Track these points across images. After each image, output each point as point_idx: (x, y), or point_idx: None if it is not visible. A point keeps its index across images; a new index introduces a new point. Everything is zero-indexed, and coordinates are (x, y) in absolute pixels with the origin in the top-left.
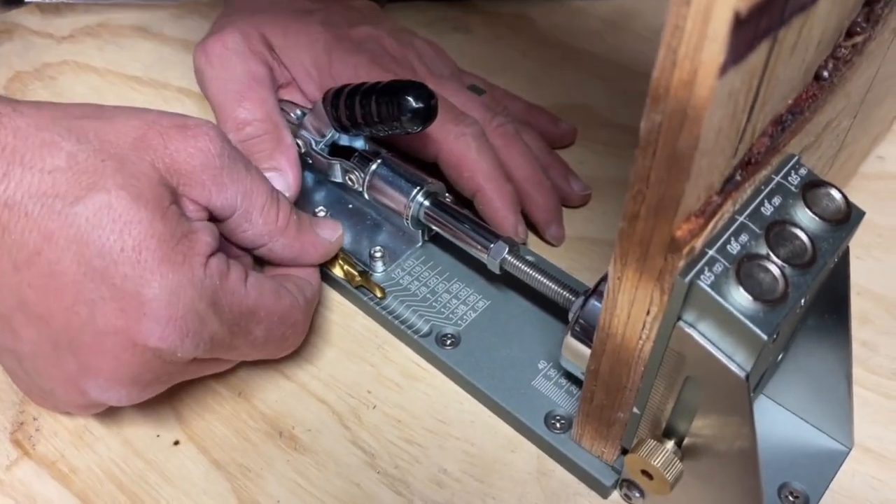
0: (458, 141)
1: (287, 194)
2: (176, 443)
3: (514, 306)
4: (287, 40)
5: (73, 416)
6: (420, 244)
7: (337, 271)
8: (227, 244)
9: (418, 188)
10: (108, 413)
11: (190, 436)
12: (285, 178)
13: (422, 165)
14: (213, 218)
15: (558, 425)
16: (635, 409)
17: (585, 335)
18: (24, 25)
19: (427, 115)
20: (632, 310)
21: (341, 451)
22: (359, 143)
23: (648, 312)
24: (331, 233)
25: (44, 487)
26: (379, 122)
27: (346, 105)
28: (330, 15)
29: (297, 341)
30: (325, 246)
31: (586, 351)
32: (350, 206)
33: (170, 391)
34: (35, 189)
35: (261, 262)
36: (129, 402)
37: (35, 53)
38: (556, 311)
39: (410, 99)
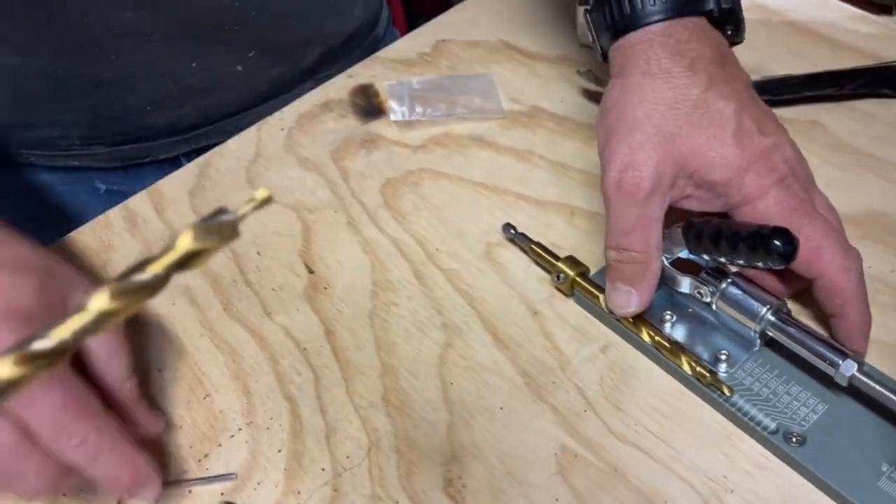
0: (842, 275)
1: (629, 311)
2: None
3: (851, 410)
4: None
5: None
6: (757, 348)
7: (686, 368)
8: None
9: (767, 307)
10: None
11: None
12: (637, 299)
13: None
14: None
15: None
16: None
17: None
18: (385, 136)
19: (791, 257)
20: None
21: None
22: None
23: None
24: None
25: None
26: (743, 259)
27: (710, 240)
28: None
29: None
30: None
31: None
32: (689, 310)
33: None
34: None
35: None
36: None
37: (398, 161)
38: (893, 417)
39: (779, 244)
